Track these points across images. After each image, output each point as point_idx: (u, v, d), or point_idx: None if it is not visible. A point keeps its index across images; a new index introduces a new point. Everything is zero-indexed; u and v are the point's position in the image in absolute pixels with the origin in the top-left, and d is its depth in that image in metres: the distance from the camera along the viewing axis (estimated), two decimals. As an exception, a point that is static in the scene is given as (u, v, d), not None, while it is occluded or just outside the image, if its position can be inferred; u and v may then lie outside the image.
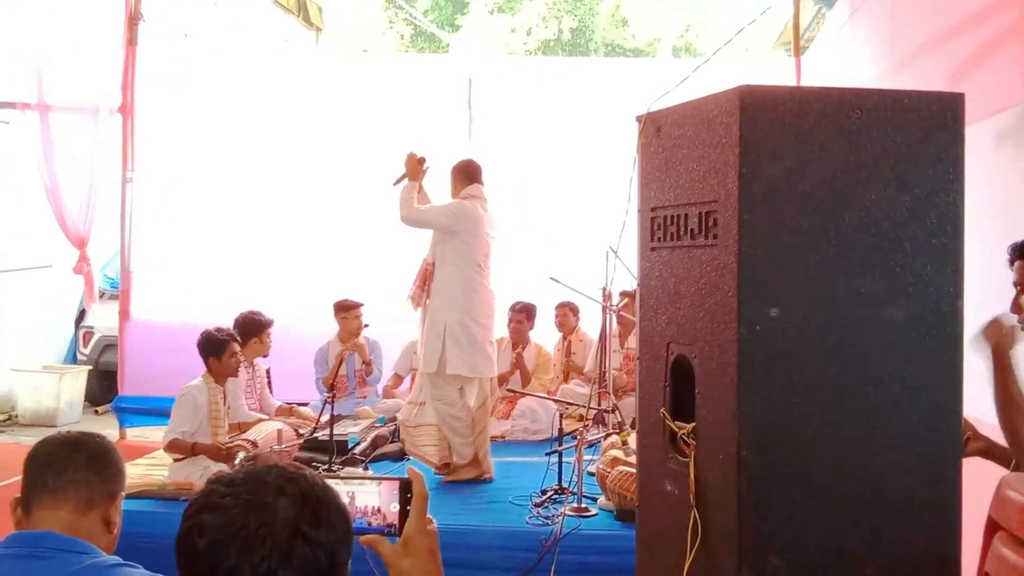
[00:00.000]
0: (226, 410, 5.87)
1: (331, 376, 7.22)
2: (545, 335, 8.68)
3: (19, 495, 2.25)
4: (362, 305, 7.80)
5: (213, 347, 5.80)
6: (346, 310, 7.76)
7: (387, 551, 1.67)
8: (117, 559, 2.16)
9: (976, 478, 2.71)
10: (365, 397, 7.90)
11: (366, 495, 1.77)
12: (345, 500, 1.55)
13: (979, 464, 2.99)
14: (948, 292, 2.50)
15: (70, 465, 2.23)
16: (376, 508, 1.77)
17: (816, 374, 2.45)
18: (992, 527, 2.85)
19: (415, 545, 1.67)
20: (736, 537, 2.43)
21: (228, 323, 6.55)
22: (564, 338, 8.53)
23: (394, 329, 8.07)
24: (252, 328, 6.81)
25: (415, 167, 6.10)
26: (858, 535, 2.47)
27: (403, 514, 1.73)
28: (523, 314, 8.20)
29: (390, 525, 1.76)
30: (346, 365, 7.65)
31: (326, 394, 6.39)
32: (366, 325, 7.81)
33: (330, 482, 1.54)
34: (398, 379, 8.27)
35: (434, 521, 1.71)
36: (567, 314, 8.41)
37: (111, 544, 2.28)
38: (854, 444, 2.47)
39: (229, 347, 5.84)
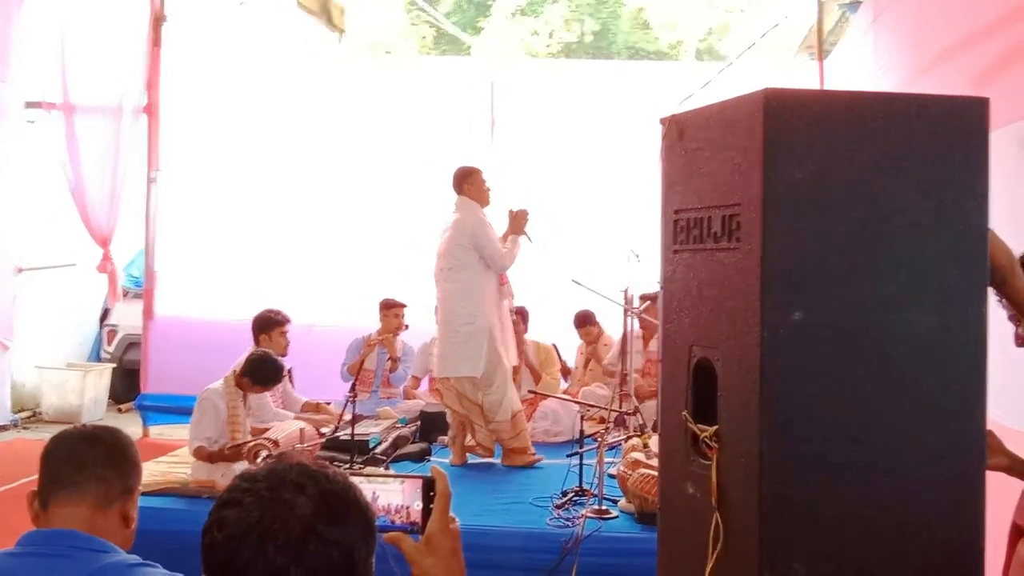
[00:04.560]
0: (247, 412, 5.89)
1: (357, 363, 7.31)
2: (565, 335, 8.69)
3: (36, 489, 2.23)
4: (405, 306, 7.88)
5: (278, 374, 5.94)
6: (387, 308, 7.89)
7: (409, 548, 1.68)
8: (136, 558, 2.14)
9: (1000, 484, 2.69)
10: (390, 397, 7.93)
11: (390, 493, 1.77)
12: (369, 498, 1.56)
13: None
14: (973, 298, 2.48)
15: (87, 461, 2.20)
16: (400, 506, 1.77)
17: (839, 378, 2.44)
18: (1016, 532, 2.84)
19: (437, 543, 1.67)
20: (758, 541, 2.43)
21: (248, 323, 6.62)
22: (589, 344, 8.53)
23: (411, 332, 8.11)
24: (266, 325, 6.89)
25: (522, 223, 6.54)
26: (881, 540, 2.46)
27: (426, 512, 1.74)
28: (518, 316, 8.13)
29: (413, 523, 1.76)
30: (376, 360, 7.72)
31: (347, 393, 6.41)
32: (406, 326, 7.88)
33: (354, 480, 1.55)
34: (416, 380, 8.31)
35: (457, 520, 1.72)
36: (589, 331, 8.43)
37: (128, 539, 2.25)
38: (877, 448, 2.45)
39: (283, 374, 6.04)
